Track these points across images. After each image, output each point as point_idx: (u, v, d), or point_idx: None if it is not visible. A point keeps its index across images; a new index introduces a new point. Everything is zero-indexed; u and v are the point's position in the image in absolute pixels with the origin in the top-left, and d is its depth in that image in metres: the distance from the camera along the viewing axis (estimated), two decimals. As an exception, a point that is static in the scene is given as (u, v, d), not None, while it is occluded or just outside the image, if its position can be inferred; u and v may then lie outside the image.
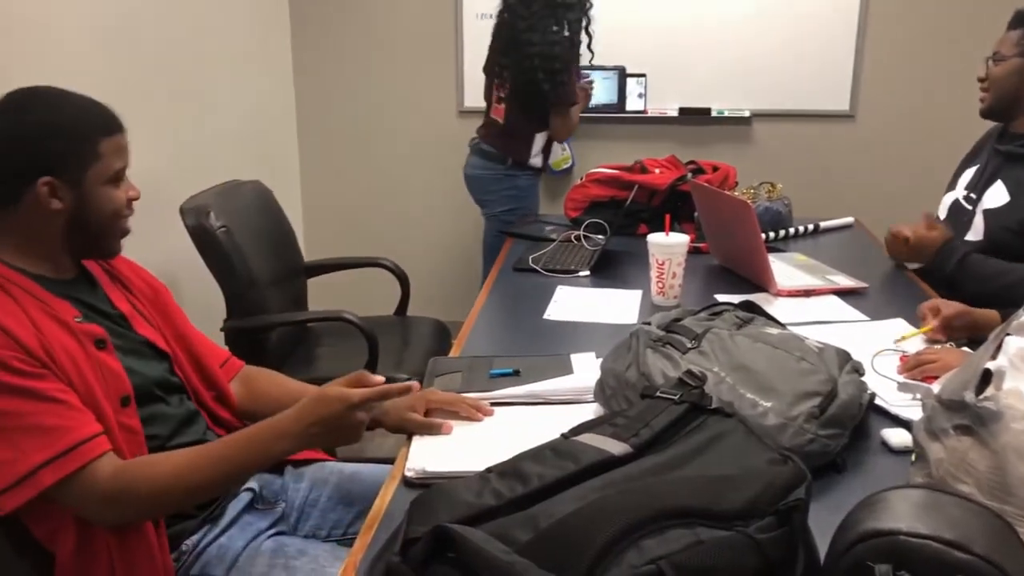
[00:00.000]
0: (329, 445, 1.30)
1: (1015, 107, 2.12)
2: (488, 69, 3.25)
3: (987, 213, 2.11)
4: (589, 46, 3.15)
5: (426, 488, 1.03)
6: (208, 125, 3.18)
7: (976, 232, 2.12)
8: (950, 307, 1.77)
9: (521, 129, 3.14)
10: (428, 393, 1.46)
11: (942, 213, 2.29)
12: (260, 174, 2.82)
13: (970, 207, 2.17)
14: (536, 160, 3.20)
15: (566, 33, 3.03)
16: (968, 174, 2.27)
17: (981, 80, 2.17)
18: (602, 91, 3.72)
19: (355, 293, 3.44)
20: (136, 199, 1.39)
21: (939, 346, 1.69)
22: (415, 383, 1.36)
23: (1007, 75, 2.09)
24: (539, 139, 3.17)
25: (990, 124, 2.26)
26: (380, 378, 1.33)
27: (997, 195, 2.11)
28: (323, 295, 3.16)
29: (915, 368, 1.58)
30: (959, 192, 2.26)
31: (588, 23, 3.11)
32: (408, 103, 4.00)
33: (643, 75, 3.76)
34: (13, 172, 1.28)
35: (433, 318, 2.92)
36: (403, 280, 2.91)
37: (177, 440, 1.40)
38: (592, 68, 3.33)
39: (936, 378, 1.54)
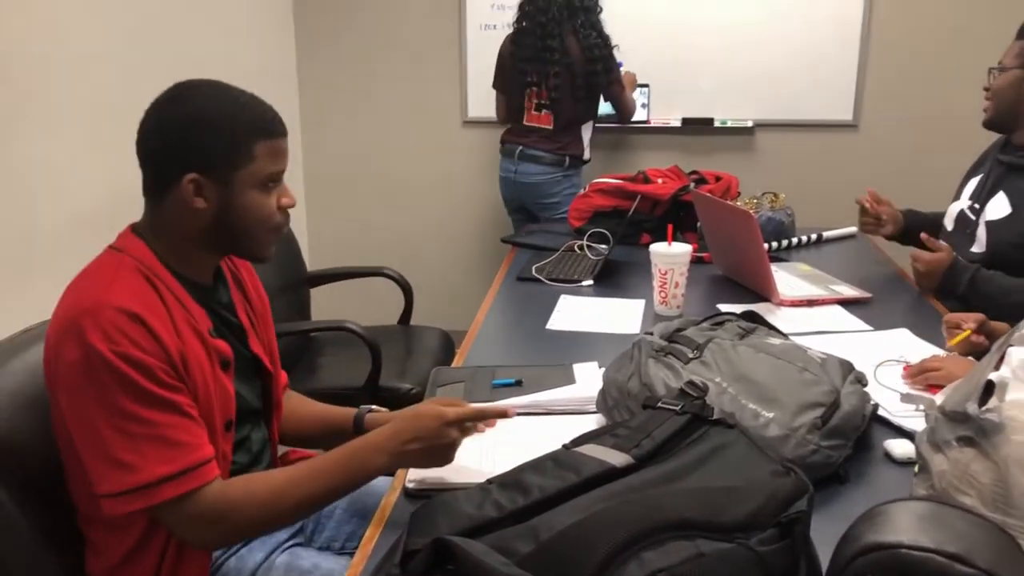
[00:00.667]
0: (424, 464, 1.26)
1: (1016, 118, 2.10)
2: (513, 83, 3.31)
3: (990, 225, 2.10)
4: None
5: (427, 499, 1.03)
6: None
7: (980, 244, 2.11)
8: (971, 319, 1.76)
9: (573, 128, 3.30)
10: (431, 403, 1.45)
11: (948, 224, 2.29)
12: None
13: (974, 218, 2.16)
14: (588, 154, 3.39)
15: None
16: (972, 184, 2.26)
17: (986, 90, 2.16)
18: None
19: (359, 303, 3.45)
20: (291, 206, 1.31)
21: (944, 354, 1.68)
22: (511, 408, 1.32)
23: (1008, 86, 2.08)
24: (586, 133, 3.35)
25: (994, 135, 2.25)
26: (473, 406, 1.31)
27: (999, 206, 2.10)
28: (327, 305, 3.17)
29: (919, 375, 1.57)
30: (964, 202, 2.25)
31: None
32: (412, 113, 4.01)
33: (646, 85, 3.76)
34: (162, 165, 1.23)
35: (437, 328, 2.92)
36: (407, 290, 2.91)
37: (254, 470, 1.38)
38: None
39: (940, 387, 1.54)
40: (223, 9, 3.30)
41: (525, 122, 3.33)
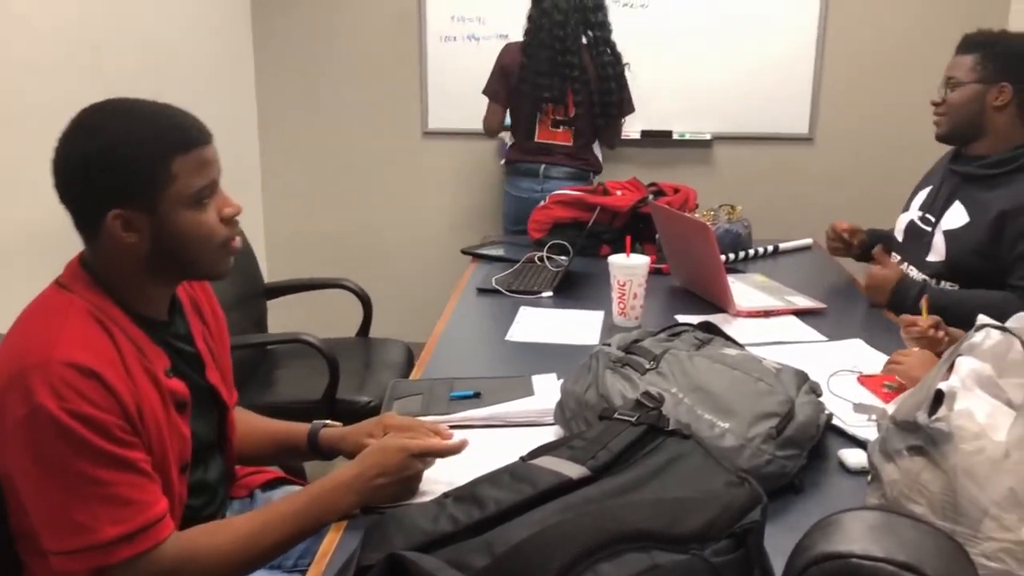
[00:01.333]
0: (392, 498, 1.23)
1: (974, 131, 2.13)
2: (523, 96, 3.18)
3: (948, 234, 2.14)
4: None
5: (381, 514, 1.02)
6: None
7: (937, 253, 2.14)
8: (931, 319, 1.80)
9: (590, 144, 3.30)
10: (386, 417, 1.42)
11: (899, 234, 2.32)
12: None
13: (928, 228, 2.20)
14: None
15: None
16: (922, 195, 2.30)
17: (936, 105, 2.18)
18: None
19: (317, 315, 3.41)
20: (234, 215, 1.22)
21: (915, 349, 1.70)
22: (465, 441, 1.30)
23: (966, 101, 2.10)
24: (597, 148, 3.35)
25: (946, 147, 2.29)
26: (435, 440, 1.31)
27: (956, 216, 2.13)
28: (284, 317, 3.13)
29: (887, 368, 1.62)
30: (913, 213, 2.29)
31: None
32: (372, 125, 3.99)
33: None
34: (82, 205, 1.15)
35: (396, 340, 2.90)
36: (366, 302, 2.89)
37: (208, 511, 1.34)
38: None
39: (895, 394, 1.56)
40: (181, 20, 3.26)
41: (538, 139, 3.23)
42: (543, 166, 3.25)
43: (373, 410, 2.37)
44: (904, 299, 2.10)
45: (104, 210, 1.13)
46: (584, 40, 3.15)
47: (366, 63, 3.91)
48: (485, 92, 3.27)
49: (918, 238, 2.22)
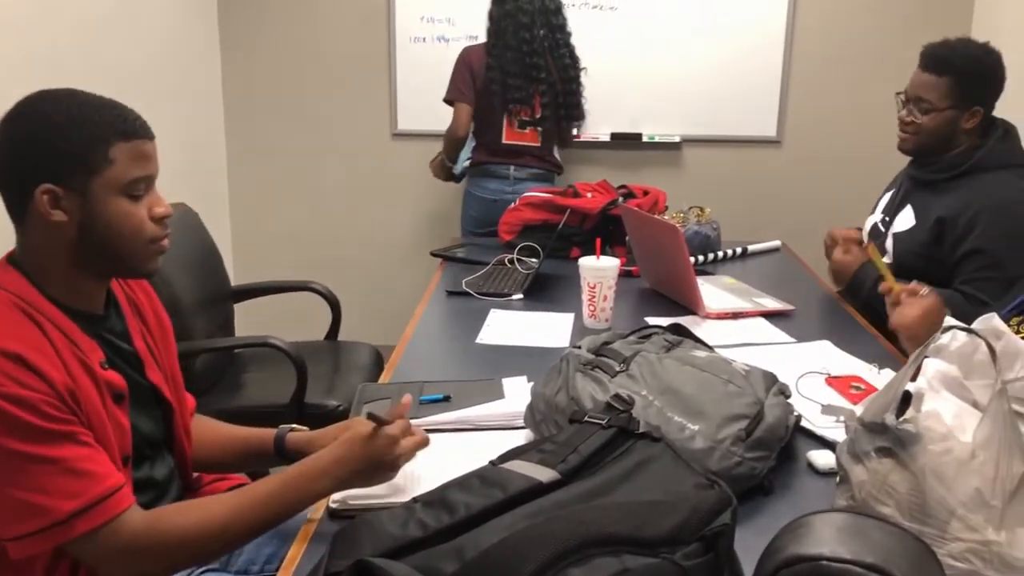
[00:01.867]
0: (369, 481, 1.22)
1: (941, 148, 2.15)
2: (490, 98, 3.16)
3: (896, 237, 2.18)
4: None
5: (350, 519, 1.01)
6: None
7: (889, 255, 2.18)
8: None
9: (552, 145, 3.33)
10: (354, 422, 1.41)
11: (865, 237, 2.36)
12: (186, 197, 2.75)
13: (884, 230, 2.24)
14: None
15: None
16: (886, 198, 2.33)
17: (904, 123, 2.17)
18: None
19: (285, 318, 3.38)
20: (164, 216, 1.21)
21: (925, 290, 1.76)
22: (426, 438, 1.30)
23: (941, 126, 2.10)
24: (556, 150, 3.39)
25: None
26: (407, 397, 1.31)
27: (906, 219, 2.17)
28: (252, 320, 3.10)
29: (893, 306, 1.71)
30: (877, 216, 2.32)
31: None
32: (341, 126, 3.96)
33: None
34: (14, 182, 1.14)
35: (365, 343, 2.88)
36: (334, 304, 2.87)
37: (161, 504, 1.30)
38: None
39: (863, 395, 1.58)
40: (147, 21, 3.22)
41: (506, 140, 3.23)
42: (513, 167, 3.25)
43: (342, 414, 2.35)
44: (861, 285, 2.15)
45: (33, 185, 1.12)
46: (546, 43, 3.17)
47: (335, 64, 3.89)
48: (449, 96, 3.21)
49: (878, 241, 2.26)
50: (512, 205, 2.81)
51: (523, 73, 3.13)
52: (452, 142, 3.26)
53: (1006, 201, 2.00)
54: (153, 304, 1.40)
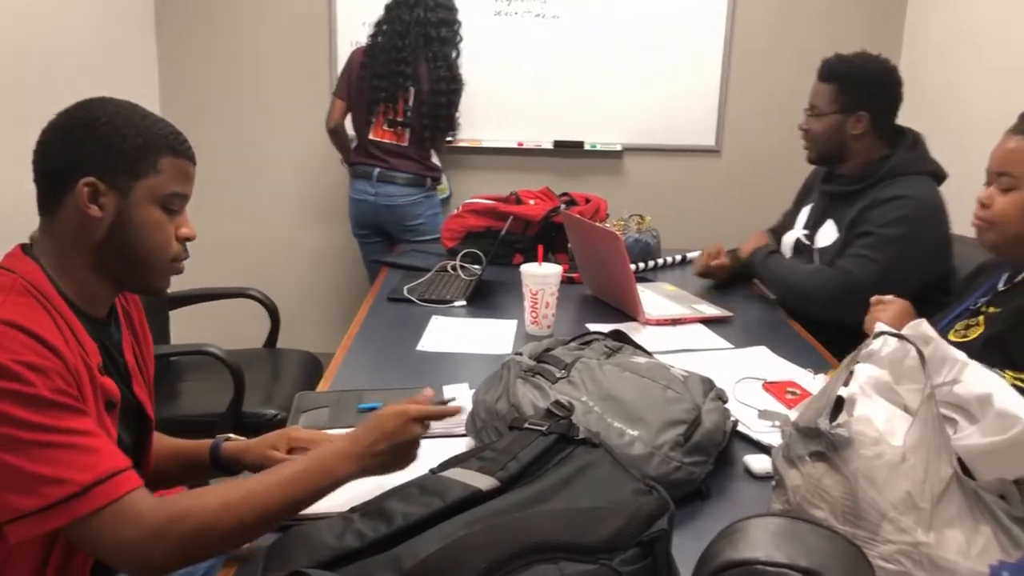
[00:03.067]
0: (390, 467, 1.20)
1: (839, 155, 2.26)
2: (361, 96, 3.28)
3: (821, 252, 2.25)
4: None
5: (285, 531, 0.99)
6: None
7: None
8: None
9: (425, 147, 3.33)
10: (290, 430, 1.39)
11: (787, 251, 2.41)
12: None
13: (809, 244, 2.31)
14: (442, 177, 3.40)
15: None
16: (804, 213, 2.41)
17: (803, 131, 2.29)
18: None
19: (223, 325, 3.32)
20: (189, 238, 1.25)
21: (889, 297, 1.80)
22: (459, 406, 1.30)
23: (828, 131, 2.23)
24: (434, 155, 3.39)
25: None
26: (429, 391, 1.30)
27: (828, 234, 2.25)
28: (188, 327, 3.03)
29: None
30: (799, 231, 2.39)
31: (458, 55, 3.33)
32: (278, 131, 3.91)
33: None
34: (59, 171, 1.16)
35: (304, 351, 2.84)
36: (272, 311, 2.82)
37: None
38: None
39: (798, 400, 1.60)
40: (81, 20, 3.14)
41: (372, 136, 3.30)
42: (377, 169, 3.31)
43: (279, 423, 2.31)
44: (756, 259, 2.32)
45: (78, 176, 1.14)
46: (428, 54, 3.24)
47: (274, 67, 3.83)
48: (335, 92, 3.40)
49: (804, 255, 2.32)
50: (455, 212, 2.81)
51: (388, 76, 3.22)
52: (330, 134, 3.41)
53: (906, 194, 2.10)
54: (142, 319, 1.40)
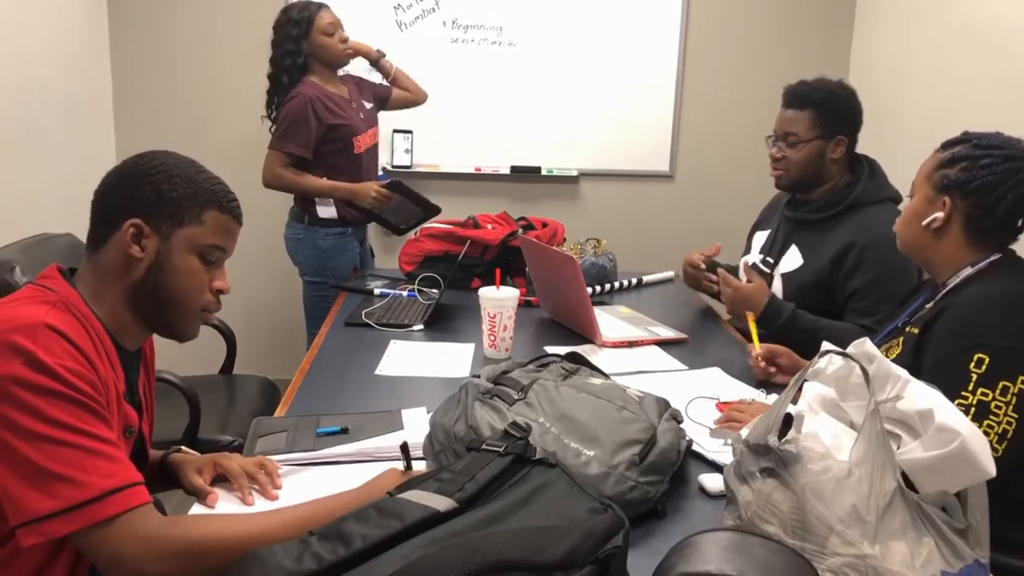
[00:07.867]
0: None
1: (815, 181, 2.29)
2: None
3: (784, 277, 2.29)
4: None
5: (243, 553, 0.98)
6: (14, 175, 2.98)
7: (778, 293, 2.28)
8: (782, 349, 1.95)
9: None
10: (220, 457, 1.40)
11: (742, 275, 2.45)
12: (74, 227, 2.65)
13: (768, 270, 2.35)
14: (327, 211, 3.11)
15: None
16: (760, 238, 2.46)
17: (776, 160, 2.31)
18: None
19: (178, 352, 3.24)
20: (224, 291, 1.31)
21: (749, 400, 1.78)
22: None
23: (808, 158, 2.25)
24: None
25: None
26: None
27: (792, 259, 2.29)
28: (142, 354, 2.99)
29: (725, 422, 1.65)
30: (755, 256, 2.43)
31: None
32: (232, 159, 3.88)
33: (409, 131, 3.83)
34: (110, 209, 1.23)
35: (261, 376, 2.82)
36: (229, 337, 2.80)
37: None
38: None
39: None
40: (32, 32, 3.11)
41: None
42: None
43: (236, 449, 2.28)
44: (778, 315, 2.18)
45: (126, 217, 1.21)
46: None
47: (228, 91, 3.82)
48: None
49: (763, 279, 2.36)
50: (413, 237, 2.82)
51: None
52: None
53: (887, 236, 2.13)
54: (153, 361, 1.44)
